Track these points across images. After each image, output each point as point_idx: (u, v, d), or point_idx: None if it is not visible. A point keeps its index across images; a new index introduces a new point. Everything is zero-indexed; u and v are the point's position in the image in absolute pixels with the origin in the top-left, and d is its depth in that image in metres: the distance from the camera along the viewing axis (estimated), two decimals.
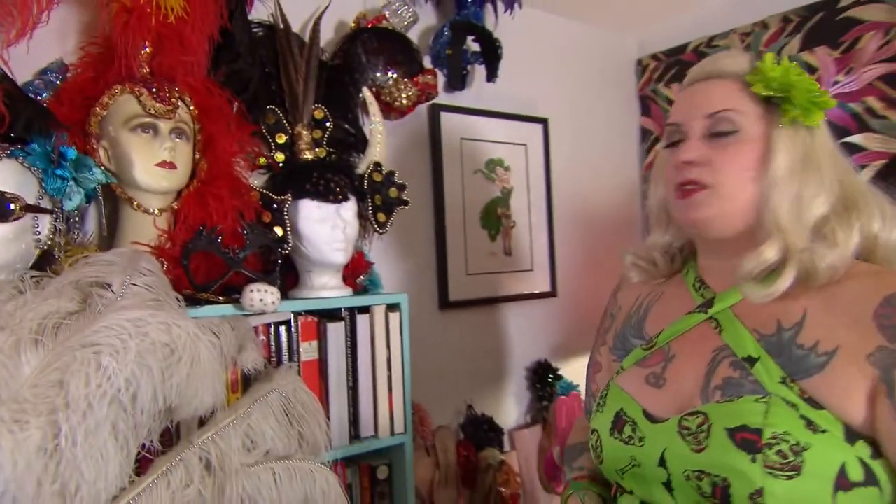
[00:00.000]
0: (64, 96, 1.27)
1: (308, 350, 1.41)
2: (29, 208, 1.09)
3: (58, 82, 1.28)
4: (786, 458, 0.70)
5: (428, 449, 1.87)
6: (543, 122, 2.32)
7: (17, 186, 1.09)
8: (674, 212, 0.93)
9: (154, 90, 1.27)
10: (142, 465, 1.10)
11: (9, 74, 1.14)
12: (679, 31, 2.51)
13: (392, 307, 1.54)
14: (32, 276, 1.09)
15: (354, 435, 1.48)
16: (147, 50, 1.29)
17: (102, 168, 1.24)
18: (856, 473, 0.70)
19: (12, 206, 1.07)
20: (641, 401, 0.89)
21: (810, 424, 0.71)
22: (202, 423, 1.18)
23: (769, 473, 0.70)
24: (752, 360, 0.80)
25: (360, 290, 1.61)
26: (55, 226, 1.17)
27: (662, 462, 0.81)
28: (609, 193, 2.57)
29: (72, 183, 1.15)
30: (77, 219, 1.25)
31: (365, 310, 1.50)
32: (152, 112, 1.26)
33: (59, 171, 1.13)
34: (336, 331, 1.44)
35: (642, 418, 0.87)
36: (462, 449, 1.95)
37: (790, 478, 0.69)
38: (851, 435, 0.71)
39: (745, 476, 0.71)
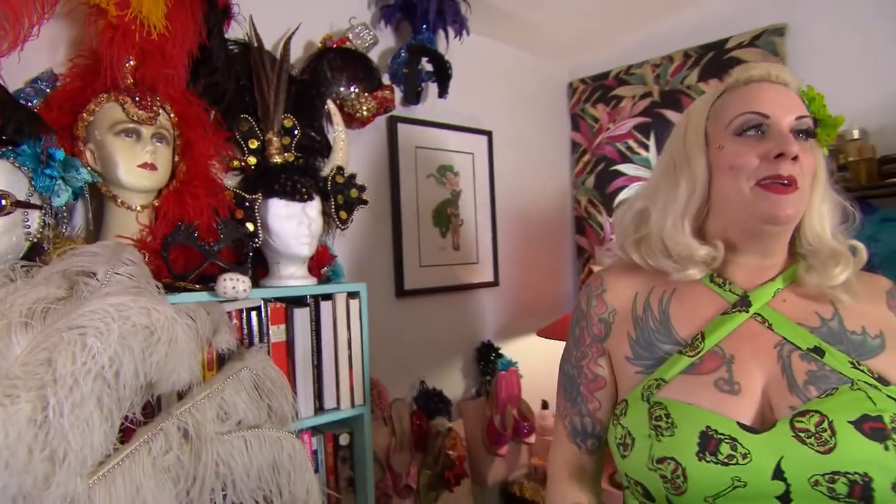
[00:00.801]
0: (53, 103, 1.23)
1: (277, 333, 1.40)
2: (19, 204, 1.07)
3: (48, 90, 1.25)
4: None
5: (385, 419, 1.88)
6: (488, 134, 2.35)
7: (8, 184, 1.06)
8: (753, 203, 0.76)
9: (137, 99, 1.25)
10: (126, 434, 1.08)
11: (1, 82, 1.11)
12: (603, 61, 2.58)
13: (352, 295, 1.54)
14: (23, 266, 1.06)
15: (319, 407, 1.48)
16: (131, 63, 1.26)
17: (89, 168, 1.21)
18: None
19: (3, 202, 1.04)
20: (727, 412, 0.71)
21: None
22: (180, 397, 1.17)
23: None
24: (819, 351, 0.72)
25: (323, 280, 1.61)
26: (44, 220, 1.14)
27: (779, 473, 0.66)
28: (544, 197, 2.62)
29: (60, 181, 1.12)
30: (65, 214, 1.22)
31: (328, 297, 1.49)
32: (135, 119, 1.24)
33: (47, 171, 1.10)
34: (302, 316, 1.44)
35: (740, 432, 0.69)
36: (415, 418, 1.97)
37: None
38: None
39: (885, 466, 0.62)
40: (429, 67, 1.99)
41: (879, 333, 0.74)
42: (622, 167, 2.48)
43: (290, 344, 1.43)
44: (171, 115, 1.32)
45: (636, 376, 0.81)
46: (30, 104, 1.20)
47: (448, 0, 1.93)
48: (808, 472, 0.65)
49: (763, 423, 0.70)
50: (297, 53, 1.73)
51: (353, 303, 1.54)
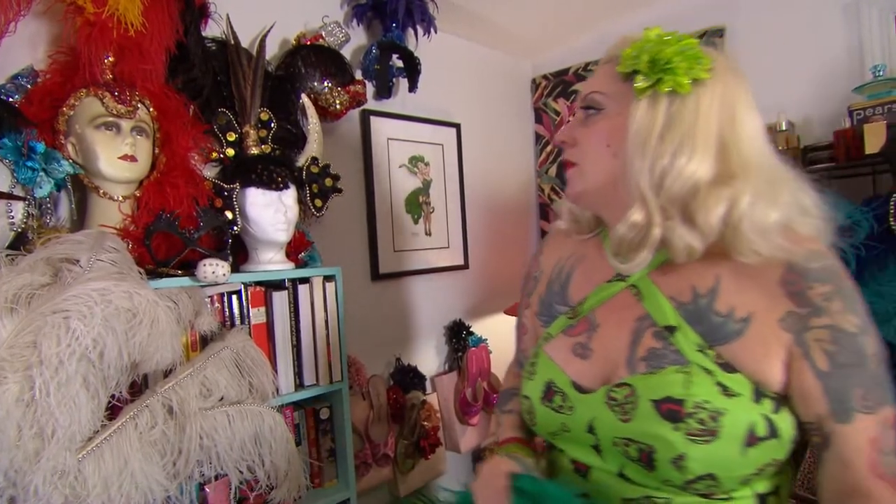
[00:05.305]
0: (34, 98, 1.20)
1: (257, 315, 1.40)
2: (1, 195, 1.04)
3: (28, 86, 1.21)
4: (704, 425, 0.63)
5: (363, 394, 1.89)
6: (457, 126, 2.35)
7: None
8: None
9: (116, 94, 1.22)
10: (114, 411, 1.08)
11: None
12: (563, 58, 2.60)
13: (328, 278, 1.54)
14: (7, 255, 1.05)
15: (299, 384, 1.48)
16: (109, 59, 1.23)
17: (70, 161, 1.19)
18: (762, 429, 0.64)
19: None
20: (569, 371, 0.77)
21: (725, 390, 0.64)
22: (166, 376, 1.16)
23: (690, 440, 0.63)
24: (672, 329, 0.69)
25: (301, 265, 1.60)
26: (28, 211, 1.11)
27: (591, 429, 0.72)
28: (510, 185, 2.64)
29: (41, 173, 1.10)
30: (49, 205, 1.19)
31: (305, 280, 1.49)
32: (114, 112, 1.21)
33: (29, 163, 1.08)
34: (280, 298, 1.44)
35: (571, 389, 0.75)
36: (391, 393, 1.99)
37: (708, 442, 0.63)
38: (759, 394, 0.65)
39: (669, 443, 0.64)
40: (399, 63, 1.98)
41: (747, 316, 0.66)
42: None
43: (270, 325, 1.42)
44: (150, 109, 1.30)
45: (541, 328, 0.87)
46: (10, 99, 1.17)
47: (416, 0, 1.92)
48: (610, 433, 0.70)
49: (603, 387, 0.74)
50: (272, 50, 1.71)
51: (330, 286, 1.54)
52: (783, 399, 0.66)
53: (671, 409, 0.65)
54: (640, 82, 0.68)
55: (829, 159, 1.68)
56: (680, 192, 0.66)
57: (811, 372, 0.64)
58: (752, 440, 0.63)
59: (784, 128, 1.79)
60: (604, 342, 0.75)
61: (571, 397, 0.75)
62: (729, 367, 0.65)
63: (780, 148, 1.76)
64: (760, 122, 0.70)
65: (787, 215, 0.66)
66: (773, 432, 0.64)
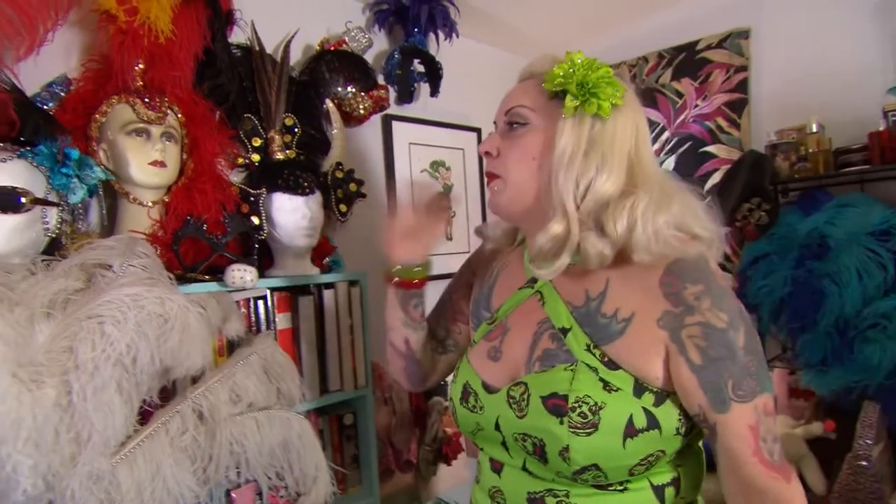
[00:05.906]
0: (67, 105, 1.23)
1: (283, 320, 1.41)
2: (37, 201, 1.06)
3: (62, 94, 1.23)
4: (586, 418, 0.68)
5: (386, 399, 1.89)
6: (477, 130, 2.35)
7: (27, 183, 1.05)
8: None
9: (146, 100, 1.24)
10: (144, 417, 1.09)
11: (19, 86, 1.10)
12: None
13: (353, 283, 1.55)
14: (43, 260, 1.06)
15: (324, 389, 1.48)
16: (140, 66, 1.25)
17: (102, 167, 1.21)
18: (640, 421, 0.68)
19: (23, 199, 1.03)
20: (482, 374, 0.83)
21: (606, 385, 0.69)
22: (195, 381, 1.17)
23: (573, 433, 0.68)
24: (565, 331, 0.75)
25: (326, 270, 1.61)
26: (62, 217, 1.13)
27: (497, 426, 0.77)
28: None
29: (75, 180, 1.12)
30: (81, 210, 1.22)
31: (330, 286, 1.50)
32: (145, 119, 1.23)
33: (63, 170, 1.10)
34: (306, 303, 1.44)
35: (482, 389, 0.81)
36: (414, 398, 1.98)
37: (589, 434, 0.68)
38: (639, 389, 0.69)
39: (555, 436, 0.69)
40: (421, 68, 1.99)
41: (629, 316, 0.71)
42: None
43: (295, 330, 1.43)
44: (179, 115, 1.32)
45: (472, 332, 0.94)
46: (45, 107, 1.19)
47: (438, 5, 1.92)
48: (511, 429, 0.75)
49: None
50: (296, 56, 1.72)
51: (354, 290, 1.54)
52: (668, 394, 0.70)
53: (556, 404, 0.70)
54: (570, 102, 0.73)
55: (863, 161, 1.65)
56: (596, 205, 0.73)
57: (686, 366, 0.68)
58: (631, 432, 0.68)
59: (815, 130, 1.77)
60: (512, 345, 0.81)
61: (482, 397, 0.81)
62: (612, 365, 0.71)
63: (810, 151, 1.74)
64: (652, 146, 0.81)
65: (678, 220, 0.72)
66: (653, 424, 0.69)
